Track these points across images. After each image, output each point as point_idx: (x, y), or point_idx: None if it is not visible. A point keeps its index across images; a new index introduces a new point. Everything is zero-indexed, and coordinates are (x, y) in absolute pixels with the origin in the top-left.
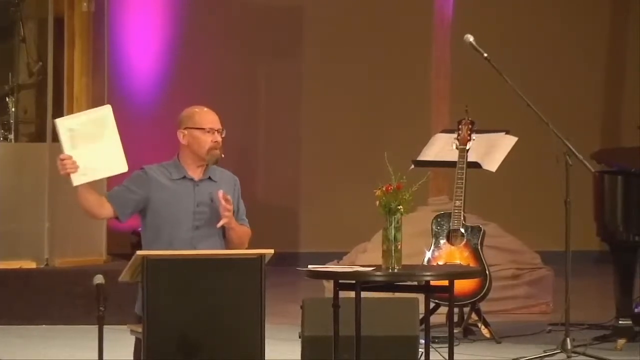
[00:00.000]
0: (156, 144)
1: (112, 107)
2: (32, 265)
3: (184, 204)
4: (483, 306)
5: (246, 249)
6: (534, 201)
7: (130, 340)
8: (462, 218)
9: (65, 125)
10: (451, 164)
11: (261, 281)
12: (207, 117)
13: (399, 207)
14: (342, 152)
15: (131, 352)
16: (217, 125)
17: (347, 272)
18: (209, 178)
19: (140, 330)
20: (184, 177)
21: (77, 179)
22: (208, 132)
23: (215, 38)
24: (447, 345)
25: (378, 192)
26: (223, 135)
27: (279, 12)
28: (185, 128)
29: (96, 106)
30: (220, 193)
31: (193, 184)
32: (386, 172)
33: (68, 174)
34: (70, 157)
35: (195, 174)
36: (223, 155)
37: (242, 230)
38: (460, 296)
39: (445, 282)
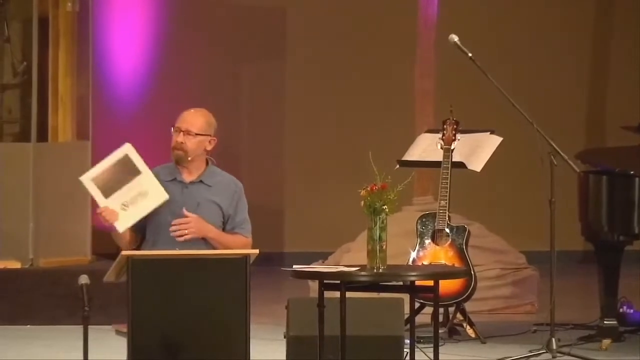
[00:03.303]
0: (141, 143)
1: (97, 106)
2: (16, 265)
3: (170, 206)
4: (468, 306)
5: None
6: (519, 201)
7: (115, 340)
8: (447, 218)
9: (90, 179)
10: (436, 164)
11: (246, 281)
12: (180, 117)
13: (383, 207)
14: (327, 152)
15: (115, 352)
16: (183, 125)
17: (332, 272)
18: (201, 181)
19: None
20: (174, 179)
21: (121, 225)
22: (175, 131)
23: (199, 38)
24: (432, 345)
25: (363, 192)
26: (196, 137)
27: (262, 13)
28: None
29: (80, 105)
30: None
31: (182, 186)
32: (371, 172)
33: (112, 225)
34: (106, 208)
35: (188, 176)
36: (190, 158)
37: (228, 240)
38: (445, 296)
39: (430, 282)
